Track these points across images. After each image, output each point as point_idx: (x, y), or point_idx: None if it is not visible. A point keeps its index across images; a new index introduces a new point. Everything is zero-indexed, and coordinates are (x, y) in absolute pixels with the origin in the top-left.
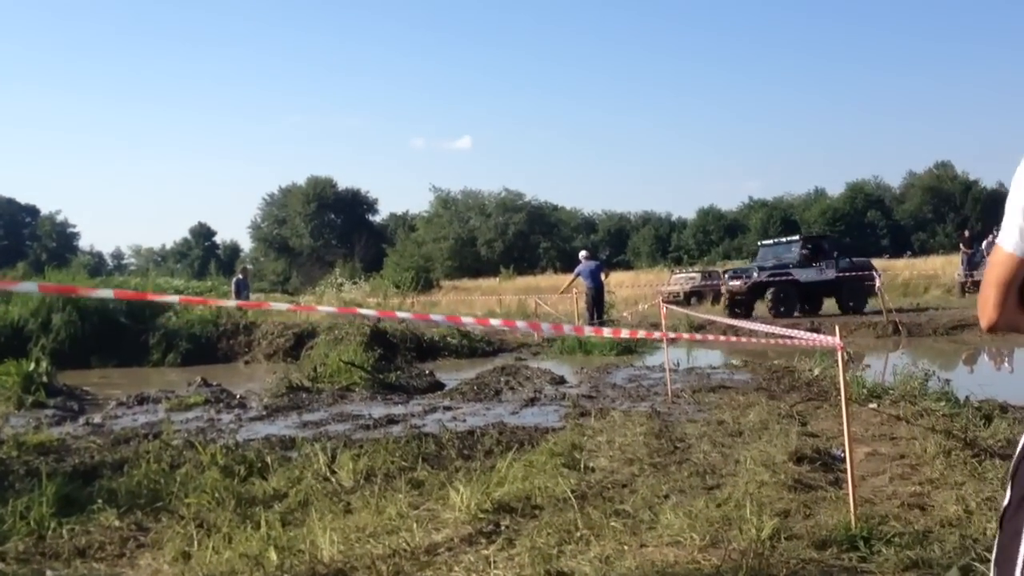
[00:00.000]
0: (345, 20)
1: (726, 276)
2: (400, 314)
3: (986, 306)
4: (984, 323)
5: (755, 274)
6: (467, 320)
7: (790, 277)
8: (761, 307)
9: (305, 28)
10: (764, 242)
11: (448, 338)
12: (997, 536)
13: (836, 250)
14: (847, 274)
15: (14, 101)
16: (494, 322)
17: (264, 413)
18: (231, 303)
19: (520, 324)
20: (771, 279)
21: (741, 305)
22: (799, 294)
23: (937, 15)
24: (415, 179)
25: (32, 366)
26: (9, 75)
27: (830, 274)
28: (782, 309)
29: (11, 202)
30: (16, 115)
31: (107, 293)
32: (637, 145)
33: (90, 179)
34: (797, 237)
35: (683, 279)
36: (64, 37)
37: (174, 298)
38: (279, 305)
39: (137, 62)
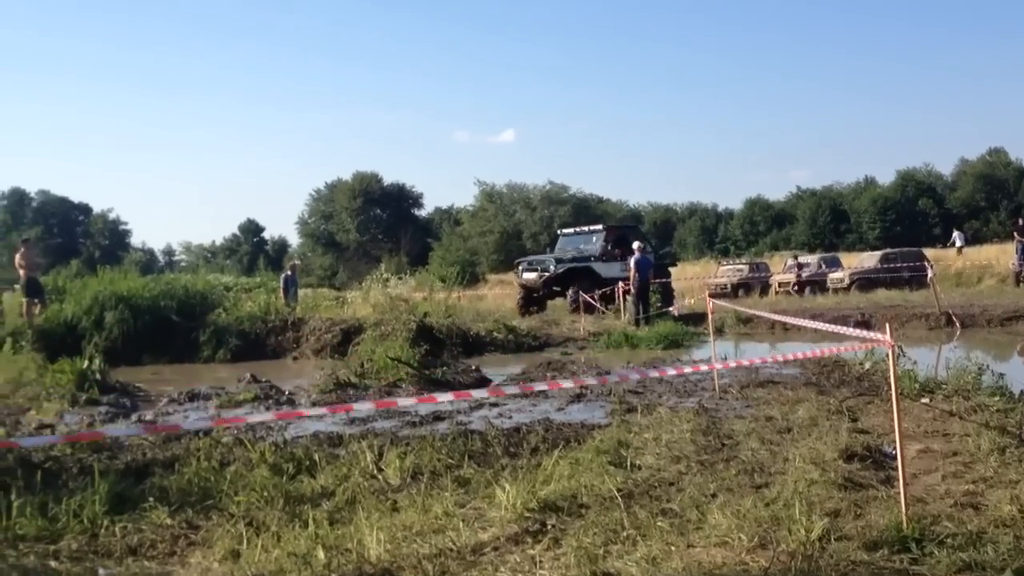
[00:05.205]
0: (387, 16)
1: (520, 268)
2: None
3: None
4: None
5: (552, 267)
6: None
7: (590, 272)
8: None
9: (347, 24)
10: (564, 231)
11: (495, 333)
12: None
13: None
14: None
15: (66, 100)
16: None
17: None
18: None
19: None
20: (569, 273)
21: (535, 302)
22: (598, 290)
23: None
24: (459, 173)
25: (85, 364)
26: (60, 73)
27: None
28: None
29: (64, 200)
30: (68, 113)
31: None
32: (683, 135)
33: (141, 177)
34: (600, 227)
35: (730, 271)
36: (114, 33)
37: None
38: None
39: (185, 60)
